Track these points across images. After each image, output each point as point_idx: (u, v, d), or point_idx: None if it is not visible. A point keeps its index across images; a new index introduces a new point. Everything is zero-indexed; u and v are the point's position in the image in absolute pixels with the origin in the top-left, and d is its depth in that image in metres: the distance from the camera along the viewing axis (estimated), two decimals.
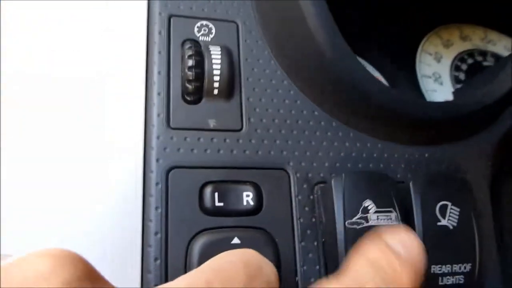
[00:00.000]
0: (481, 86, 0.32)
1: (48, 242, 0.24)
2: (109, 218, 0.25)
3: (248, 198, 0.26)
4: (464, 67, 0.46)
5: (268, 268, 0.20)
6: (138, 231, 0.25)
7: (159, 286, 0.17)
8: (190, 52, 0.27)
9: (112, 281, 0.24)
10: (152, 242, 0.24)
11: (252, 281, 0.19)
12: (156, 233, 0.24)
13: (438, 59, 0.46)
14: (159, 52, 0.27)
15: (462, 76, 0.45)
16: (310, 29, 0.27)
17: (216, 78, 0.27)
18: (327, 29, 0.27)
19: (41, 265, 0.15)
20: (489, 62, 0.46)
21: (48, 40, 0.26)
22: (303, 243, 0.26)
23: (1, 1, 0.26)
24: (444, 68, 0.45)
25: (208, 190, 0.25)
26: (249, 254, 0.21)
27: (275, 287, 0.20)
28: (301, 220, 0.26)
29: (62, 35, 0.27)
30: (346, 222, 0.25)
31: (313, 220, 0.26)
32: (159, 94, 0.26)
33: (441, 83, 0.44)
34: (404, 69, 0.44)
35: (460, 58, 0.46)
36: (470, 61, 0.46)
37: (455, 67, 0.46)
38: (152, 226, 0.24)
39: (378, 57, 0.43)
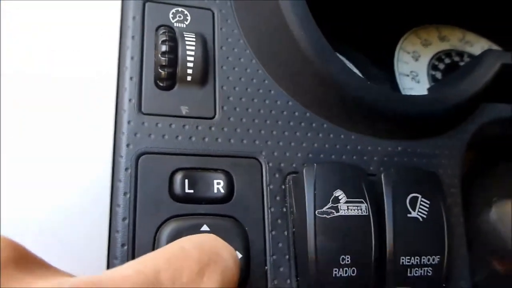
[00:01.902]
0: (455, 84, 0.32)
1: (10, 228, 0.23)
2: (76, 203, 0.24)
3: (219, 186, 0.25)
4: (441, 66, 0.46)
5: (226, 254, 0.20)
6: (106, 216, 0.24)
7: (106, 271, 0.17)
8: (164, 38, 0.26)
9: (79, 268, 0.23)
10: (120, 228, 0.24)
11: (204, 269, 0.18)
12: (124, 219, 0.24)
13: (416, 58, 0.46)
14: (133, 37, 0.27)
15: (439, 75, 0.45)
16: (287, 22, 0.27)
17: (190, 64, 0.26)
18: (304, 22, 0.27)
19: None
20: (466, 62, 0.47)
21: (17, 25, 0.26)
22: (273, 233, 0.26)
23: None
24: (421, 67, 0.46)
25: (178, 176, 0.25)
26: (207, 240, 0.20)
27: (232, 273, 0.20)
28: (272, 209, 0.26)
29: (34, 20, 0.26)
30: (316, 211, 0.25)
31: (284, 210, 0.26)
32: (131, 79, 0.26)
33: (418, 81, 0.44)
34: (382, 67, 0.44)
35: (438, 57, 0.47)
36: (447, 60, 0.47)
37: (433, 66, 0.46)
38: (120, 211, 0.24)
39: (357, 54, 0.44)
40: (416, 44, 0.47)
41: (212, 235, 0.21)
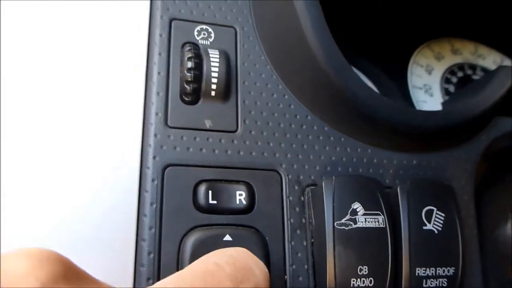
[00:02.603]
0: (469, 98, 0.33)
1: (43, 238, 0.24)
2: (105, 214, 0.25)
3: (241, 197, 0.26)
4: (454, 80, 0.47)
5: (257, 270, 0.20)
6: (133, 226, 0.25)
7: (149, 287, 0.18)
8: (189, 54, 0.27)
9: (106, 275, 0.24)
10: (146, 237, 0.25)
11: (238, 286, 0.19)
12: (150, 228, 0.25)
13: (429, 71, 0.47)
14: (159, 54, 0.28)
15: (452, 88, 0.46)
16: (306, 37, 0.28)
17: (214, 80, 0.28)
18: (322, 38, 0.28)
19: (18, 265, 0.15)
20: (478, 75, 0.47)
21: (49, 41, 0.27)
22: (292, 243, 0.27)
23: (1, 1, 0.27)
24: (434, 80, 0.46)
25: (202, 188, 0.26)
26: (239, 255, 0.21)
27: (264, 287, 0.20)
28: (291, 220, 0.27)
29: (65, 36, 0.27)
30: (335, 223, 0.25)
31: (303, 221, 0.27)
32: (158, 94, 0.27)
33: (431, 95, 0.45)
34: (395, 80, 0.45)
35: (451, 71, 0.47)
36: (460, 74, 0.48)
37: (446, 80, 0.47)
38: (147, 221, 0.25)
39: (371, 67, 0.45)
40: (429, 58, 0.48)
41: (243, 249, 0.22)
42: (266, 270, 0.21)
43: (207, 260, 0.20)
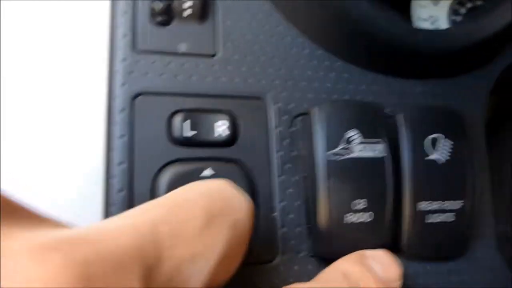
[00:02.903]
0: (480, 19, 0.29)
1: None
2: (69, 150, 0.23)
3: (222, 128, 0.23)
4: (462, 11, 0.43)
5: (237, 202, 0.18)
6: (101, 162, 0.23)
7: (94, 225, 0.15)
8: None
9: (74, 215, 0.22)
10: (116, 172, 0.22)
11: (212, 221, 0.16)
12: (120, 163, 0.22)
13: (436, 2, 0.43)
14: None
15: (460, 20, 0.42)
16: None
17: None
18: None
19: None
20: None
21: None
22: (282, 178, 0.24)
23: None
24: (441, 11, 0.42)
25: (178, 118, 0.23)
26: (216, 187, 0.18)
27: (244, 226, 0.18)
28: (280, 153, 0.24)
29: None
30: (328, 153, 0.23)
31: (293, 153, 0.24)
32: (125, 13, 0.24)
33: (438, 27, 0.42)
34: (398, 10, 0.41)
35: (459, 1, 0.44)
36: (469, 4, 0.44)
37: (453, 11, 0.43)
38: (116, 155, 0.22)
39: None
40: None
41: (223, 181, 0.19)
42: (250, 202, 0.18)
43: (178, 192, 0.18)
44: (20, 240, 0.12)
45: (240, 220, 0.17)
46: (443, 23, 0.42)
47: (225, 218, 0.17)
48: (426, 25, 0.41)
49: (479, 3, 0.44)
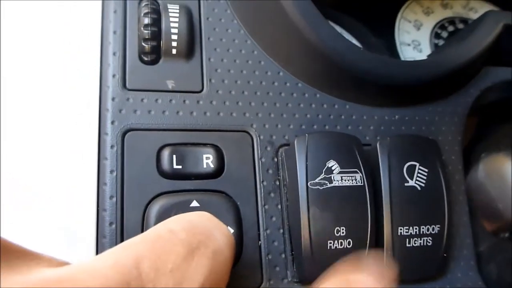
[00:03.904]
0: (455, 46, 0.31)
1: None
2: (64, 183, 0.24)
3: (208, 160, 0.25)
4: (444, 34, 0.45)
5: (219, 234, 0.19)
6: (93, 197, 0.24)
7: (80, 264, 0.15)
8: (146, 10, 0.25)
9: (68, 247, 0.23)
10: (107, 206, 0.23)
11: (193, 254, 0.17)
12: (111, 197, 0.23)
13: (418, 27, 0.44)
14: (115, 11, 0.26)
15: (442, 44, 0.44)
16: None
17: (174, 37, 0.25)
18: None
19: None
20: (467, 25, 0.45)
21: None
22: (266, 207, 0.25)
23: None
24: (423, 36, 0.44)
25: (166, 152, 0.24)
26: (198, 219, 0.19)
27: (224, 256, 0.18)
28: (264, 183, 0.25)
29: None
30: (309, 183, 0.24)
31: (277, 183, 0.26)
32: (114, 54, 0.25)
33: (420, 51, 0.43)
34: (383, 38, 0.43)
35: (441, 25, 0.45)
36: (450, 28, 0.45)
37: (435, 35, 0.44)
38: (107, 189, 0.23)
39: (356, 24, 0.42)
40: (418, 13, 0.45)
41: (205, 213, 0.20)
42: (230, 234, 0.19)
43: (160, 226, 0.19)
44: (13, 284, 0.13)
45: (220, 250, 0.18)
46: (425, 47, 0.44)
47: (205, 250, 0.18)
48: (409, 49, 0.43)
49: (460, 26, 0.46)
